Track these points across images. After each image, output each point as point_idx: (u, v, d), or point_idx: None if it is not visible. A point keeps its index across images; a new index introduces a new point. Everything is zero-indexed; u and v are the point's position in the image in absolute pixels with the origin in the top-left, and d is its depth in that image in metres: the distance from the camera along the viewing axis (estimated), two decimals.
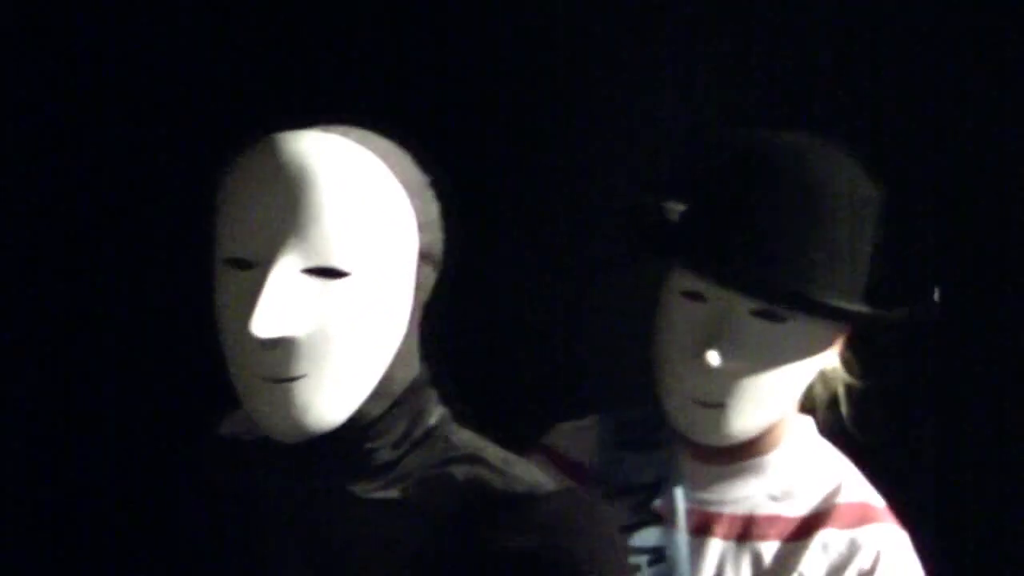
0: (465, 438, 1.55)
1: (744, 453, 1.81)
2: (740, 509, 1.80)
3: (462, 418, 1.58)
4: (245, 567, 1.55)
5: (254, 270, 1.42)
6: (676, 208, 1.74)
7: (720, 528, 1.80)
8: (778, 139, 1.72)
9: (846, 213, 1.69)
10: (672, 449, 1.83)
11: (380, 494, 1.51)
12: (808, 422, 1.88)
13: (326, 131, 1.47)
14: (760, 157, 1.69)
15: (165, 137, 2.94)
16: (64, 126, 2.98)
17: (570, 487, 1.50)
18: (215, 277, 1.47)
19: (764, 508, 1.81)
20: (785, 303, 1.66)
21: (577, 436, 1.92)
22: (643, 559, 1.79)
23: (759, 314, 1.69)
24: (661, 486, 1.83)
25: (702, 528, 1.80)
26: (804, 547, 1.78)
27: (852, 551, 1.78)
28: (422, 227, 1.50)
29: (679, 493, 1.80)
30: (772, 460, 1.82)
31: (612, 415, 1.91)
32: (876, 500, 1.84)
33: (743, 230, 1.67)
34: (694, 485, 1.82)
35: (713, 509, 1.81)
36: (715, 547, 1.79)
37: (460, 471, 1.51)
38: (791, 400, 1.76)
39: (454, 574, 1.47)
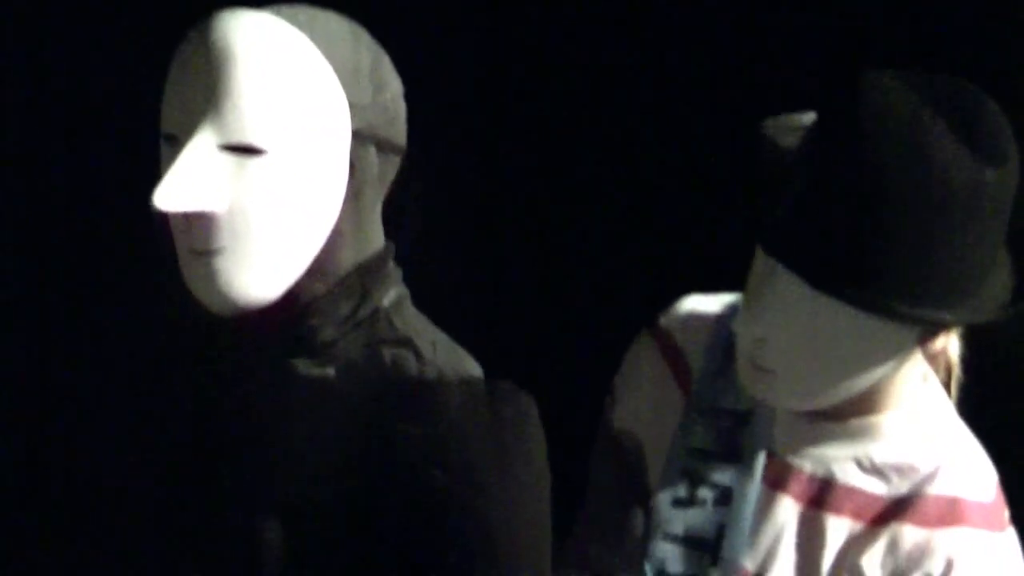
0: (409, 321, 1.57)
1: (842, 412, 1.59)
2: (821, 470, 1.60)
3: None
4: (199, 431, 1.63)
5: (179, 145, 1.48)
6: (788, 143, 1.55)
7: (796, 486, 1.61)
8: (887, 96, 1.45)
9: (928, 201, 1.43)
10: None
11: (318, 371, 1.54)
12: (935, 388, 1.64)
13: (274, 10, 1.50)
14: (857, 122, 1.44)
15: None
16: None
17: (484, 380, 1.52)
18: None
19: (847, 475, 1.59)
20: (822, 289, 1.46)
21: (693, 323, 1.73)
22: (710, 495, 1.64)
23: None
24: (751, 420, 1.65)
25: (777, 481, 1.61)
26: (872, 538, 1.57)
27: (922, 555, 1.54)
28: (357, 109, 1.51)
29: (762, 455, 1.63)
30: (871, 425, 1.60)
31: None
32: (975, 495, 1.58)
33: (811, 198, 1.46)
34: (782, 432, 1.63)
35: (795, 462, 1.61)
36: (785, 508, 1.61)
37: (388, 353, 1.54)
38: (866, 380, 1.54)
39: (370, 457, 1.50)
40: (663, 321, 1.76)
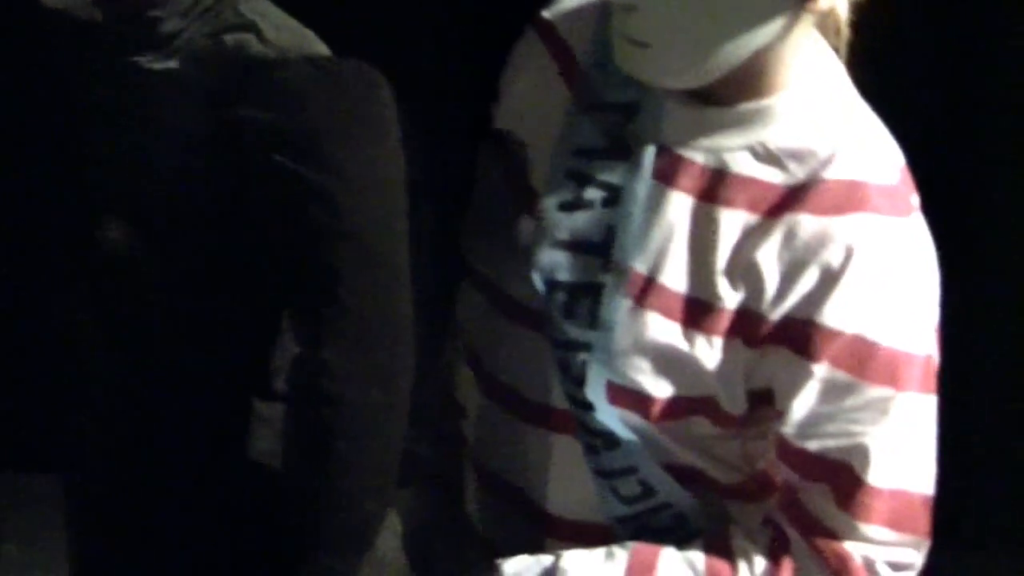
0: (256, 8, 1.53)
1: (731, 95, 1.51)
2: (713, 160, 1.51)
3: None
4: (41, 133, 1.62)
5: None
6: None
7: (687, 179, 1.52)
8: None
9: None
10: None
11: (160, 65, 1.51)
12: (832, 66, 1.55)
13: None
14: None
15: None
16: None
17: (331, 58, 1.50)
18: None
19: (740, 165, 1.51)
20: None
21: (578, 14, 1.64)
22: (598, 195, 1.55)
23: None
24: (639, 112, 1.55)
25: (668, 175, 1.52)
26: (767, 230, 1.48)
27: (819, 244, 1.47)
28: None
29: (651, 149, 1.53)
30: (763, 108, 1.51)
31: None
32: (877, 177, 1.49)
33: None
34: (671, 123, 1.54)
35: (685, 153, 1.52)
36: (676, 203, 1.52)
37: (231, 39, 1.51)
38: (747, 48, 1.45)
39: (217, 148, 1.49)
40: (547, 13, 1.66)
